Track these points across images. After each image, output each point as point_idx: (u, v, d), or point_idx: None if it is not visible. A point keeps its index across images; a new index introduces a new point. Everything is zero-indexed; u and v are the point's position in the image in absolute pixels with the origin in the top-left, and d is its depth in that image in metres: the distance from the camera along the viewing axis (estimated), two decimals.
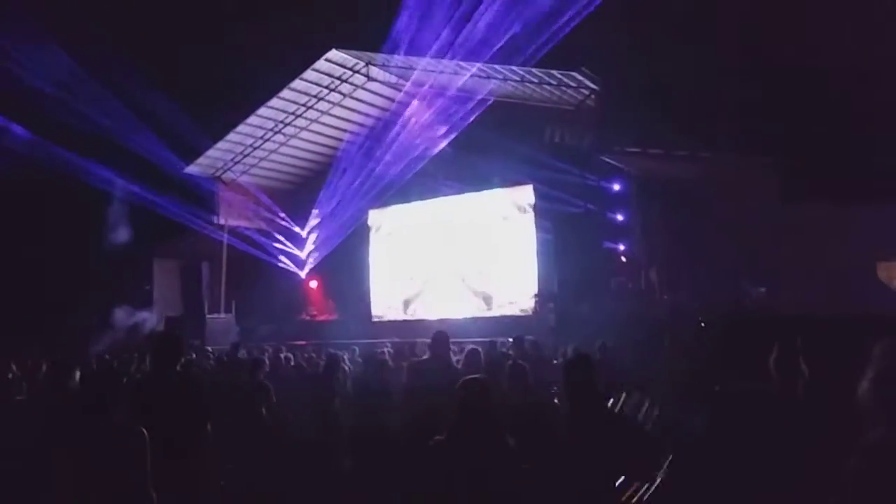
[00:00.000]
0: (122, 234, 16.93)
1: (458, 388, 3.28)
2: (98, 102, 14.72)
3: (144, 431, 3.33)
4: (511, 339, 8.96)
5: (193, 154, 17.93)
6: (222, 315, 18.54)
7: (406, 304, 18.66)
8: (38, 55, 13.59)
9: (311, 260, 20.42)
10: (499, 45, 13.12)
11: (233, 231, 19.42)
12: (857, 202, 11.40)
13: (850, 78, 10.97)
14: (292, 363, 9.14)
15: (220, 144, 17.96)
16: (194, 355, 10.42)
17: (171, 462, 3.83)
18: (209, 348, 12.31)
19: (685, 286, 12.98)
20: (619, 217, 14.97)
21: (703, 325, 10.81)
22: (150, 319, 17.57)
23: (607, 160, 14.50)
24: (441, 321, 16.37)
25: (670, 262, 13.58)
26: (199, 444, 4.19)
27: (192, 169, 18.27)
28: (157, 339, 4.51)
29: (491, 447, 3.13)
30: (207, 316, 18.00)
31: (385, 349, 9.84)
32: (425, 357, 6.39)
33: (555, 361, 7.98)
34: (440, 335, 6.19)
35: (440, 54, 14.25)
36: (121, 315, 16.89)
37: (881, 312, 9.03)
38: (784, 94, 11.76)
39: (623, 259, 14.86)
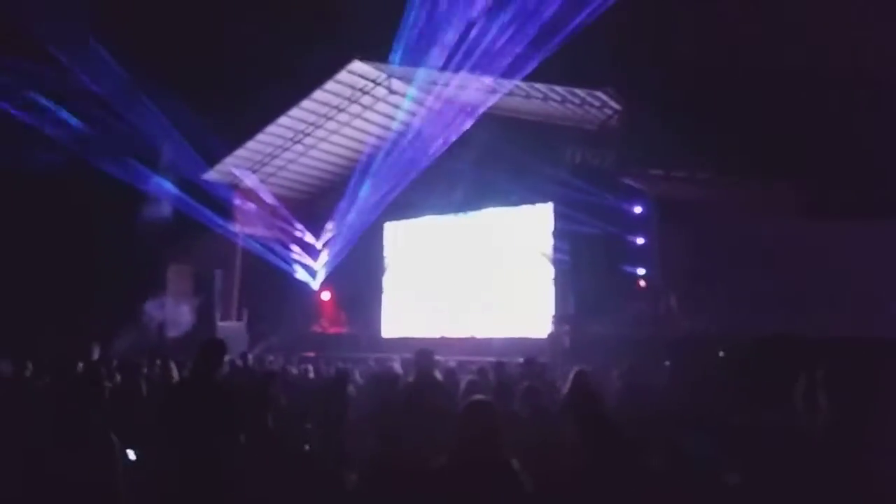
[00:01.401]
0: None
1: (462, 410, 3.17)
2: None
3: (115, 439, 3.30)
4: (522, 360, 8.69)
5: (211, 160, 17.97)
6: (234, 323, 18.48)
7: (418, 319, 18.48)
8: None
9: (324, 271, 20.32)
10: (526, 64, 13.03)
11: (247, 239, 19.40)
12: (886, 222, 11.16)
13: (875, 90, 10.77)
14: (309, 374, 9.02)
15: (239, 152, 17.96)
16: None
17: (201, 467, 3.83)
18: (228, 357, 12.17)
19: (706, 312, 12.71)
20: (640, 240, 14.73)
21: (721, 354, 10.57)
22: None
23: (629, 182, 14.31)
24: (453, 339, 16.21)
25: (691, 288, 13.31)
26: (232, 452, 4.16)
27: (209, 175, 18.28)
28: (202, 345, 4.42)
29: (494, 471, 2.99)
30: (219, 323, 17.94)
31: (394, 364, 9.68)
32: (410, 380, 6.34)
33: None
34: (424, 352, 6.18)
35: (462, 69, 14.14)
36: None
37: None
38: (806, 112, 11.57)
39: (642, 283, 14.60)
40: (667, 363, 7.73)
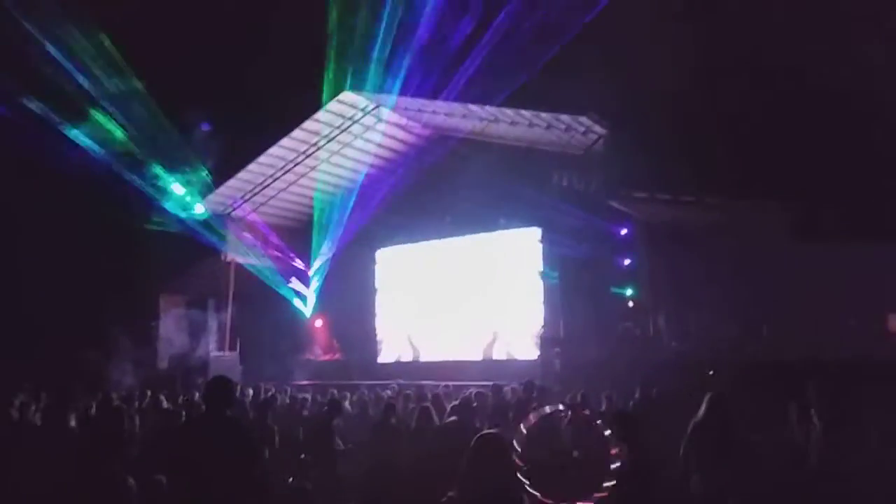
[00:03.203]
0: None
1: (473, 444, 3.13)
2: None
3: (133, 483, 3.30)
4: (523, 385, 8.77)
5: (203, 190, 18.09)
6: (227, 353, 18.42)
7: (411, 345, 18.56)
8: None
9: (316, 299, 20.33)
10: (508, 90, 13.30)
11: (240, 268, 19.42)
12: (870, 246, 11.32)
13: (865, 114, 11.01)
14: (301, 404, 9.06)
15: (231, 182, 18.07)
16: (197, 394, 10.31)
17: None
18: None
19: (693, 332, 12.86)
20: (627, 262, 14.89)
21: (711, 373, 10.72)
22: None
23: (615, 205, 14.51)
24: (446, 363, 16.29)
25: (678, 308, 13.48)
26: (253, 489, 4.14)
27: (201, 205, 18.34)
28: (210, 383, 4.46)
29: None
30: (212, 353, 17.90)
31: (388, 392, 9.77)
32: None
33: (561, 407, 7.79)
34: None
35: (450, 97, 14.39)
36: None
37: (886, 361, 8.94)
38: (794, 135, 11.80)
39: (630, 304, 14.75)
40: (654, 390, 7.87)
